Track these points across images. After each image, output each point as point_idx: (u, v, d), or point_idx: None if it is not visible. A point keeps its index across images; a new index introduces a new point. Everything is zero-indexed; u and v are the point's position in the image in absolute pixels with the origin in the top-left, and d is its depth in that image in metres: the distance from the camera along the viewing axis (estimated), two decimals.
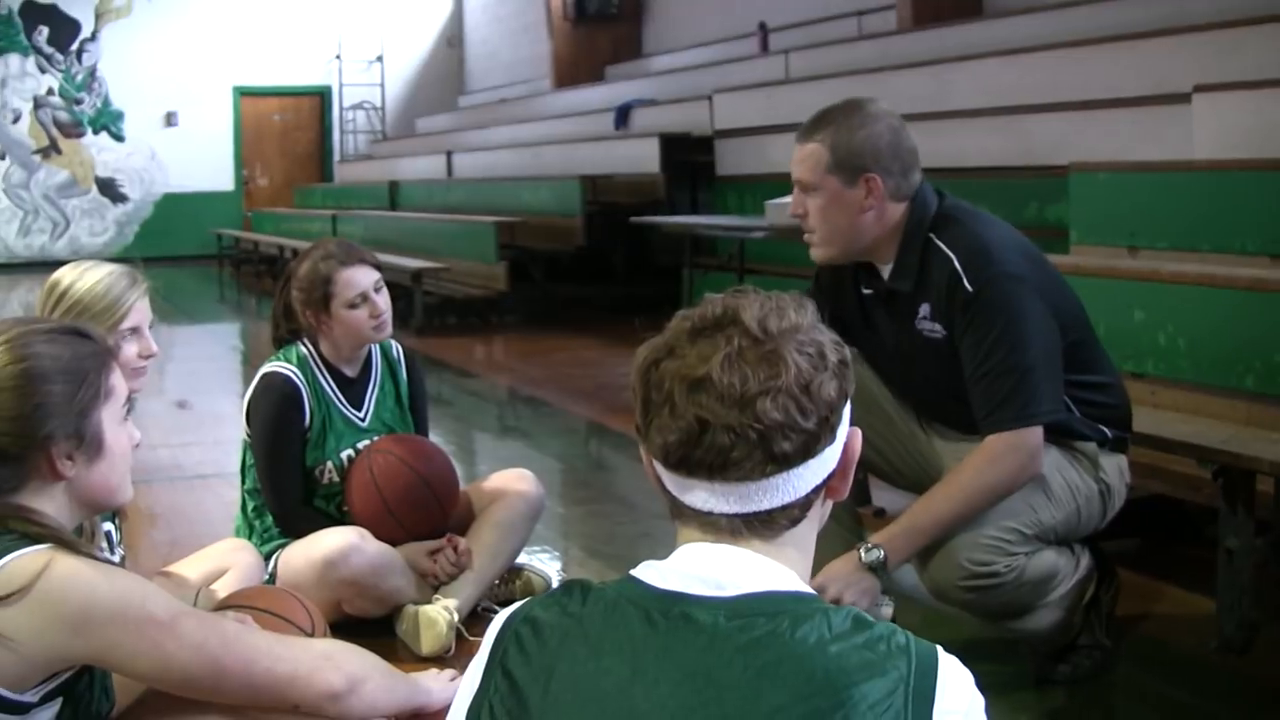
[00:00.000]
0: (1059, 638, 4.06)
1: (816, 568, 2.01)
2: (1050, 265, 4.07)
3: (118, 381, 2.85)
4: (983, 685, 1.80)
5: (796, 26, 16.44)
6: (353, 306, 4.77)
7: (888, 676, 1.72)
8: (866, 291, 4.16)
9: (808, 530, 1.95)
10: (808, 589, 1.88)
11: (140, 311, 3.86)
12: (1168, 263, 5.90)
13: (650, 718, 1.74)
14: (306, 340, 4.89)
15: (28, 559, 2.54)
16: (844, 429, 1.93)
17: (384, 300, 4.85)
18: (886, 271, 4.04)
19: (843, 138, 3.90)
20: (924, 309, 3.96)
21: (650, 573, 1.88)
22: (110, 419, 2.79)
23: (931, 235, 3.94)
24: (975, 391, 3.81)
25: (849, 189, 3.90)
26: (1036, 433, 3.76)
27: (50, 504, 2.71)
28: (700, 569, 1.85)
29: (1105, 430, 4.02)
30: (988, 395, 3.77)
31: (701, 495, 1.88)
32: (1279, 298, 5.07)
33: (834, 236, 3.99)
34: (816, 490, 1.91)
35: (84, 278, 3.81)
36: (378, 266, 4.91)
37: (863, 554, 3.62)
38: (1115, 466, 4.03)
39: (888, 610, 3.61)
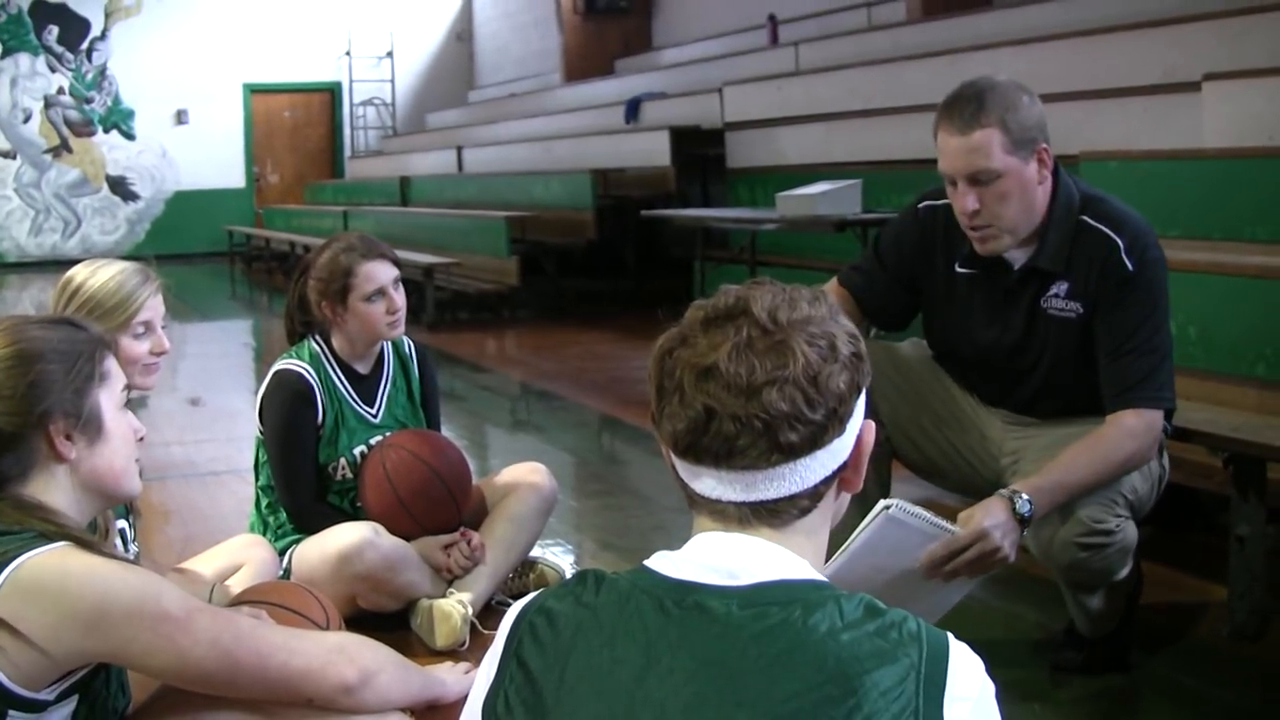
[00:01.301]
0: (1108, 622, 4.11)
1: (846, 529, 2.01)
2: None
3: (114, 369, 2.87)
4: (994, 674, 1.81)
5: (806, 18, 16.44)
6: (370, 300, 4.78)
7: (899, 664, 1.72)
8: (964, 271, 4.12)
9: (819, 521, 1.96)
10: (820, 577, 1.88)
11: (153, 308, 3.88)
12: (1178, 251, 5.88)
13: (664, 707, 1.75)
14: (319, 337, 4.90)
15: (44, 557, 2.55)
16: (856, 422, 1.94)
17: (401, 297, 4.85)
18: (1023, 250, 3.99)
19: (1012, 114, 3.81)
20: (1060, 288, 3.96)
21: (663, 562, 1.90)
22: (108, 403, 2.82)
23: (1084, 216, 3.93)
24: (1114, 367, 3.85)
25: (1027, 166, 3.85)
26: (1161, 416, 3.85)
27: (60, 494, 2.73)
28: (713, 558, 1.86)
29: (1169, 425, 4.05)
30: (1127, 372, 3.82)
31: (710, 483, 1.89)
32: None
33: (1019, 221, 3.90)
34: (826, 482, 1.92)
35: (97, 275, 3.83)
36: (397, 263, 4.92)
37: (1016, 504, 3.57)
38: (1167, 457, 4.11)
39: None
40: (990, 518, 3.52)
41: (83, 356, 2.79)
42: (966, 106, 3.83)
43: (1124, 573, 3.94)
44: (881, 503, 3.29)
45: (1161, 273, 3.91)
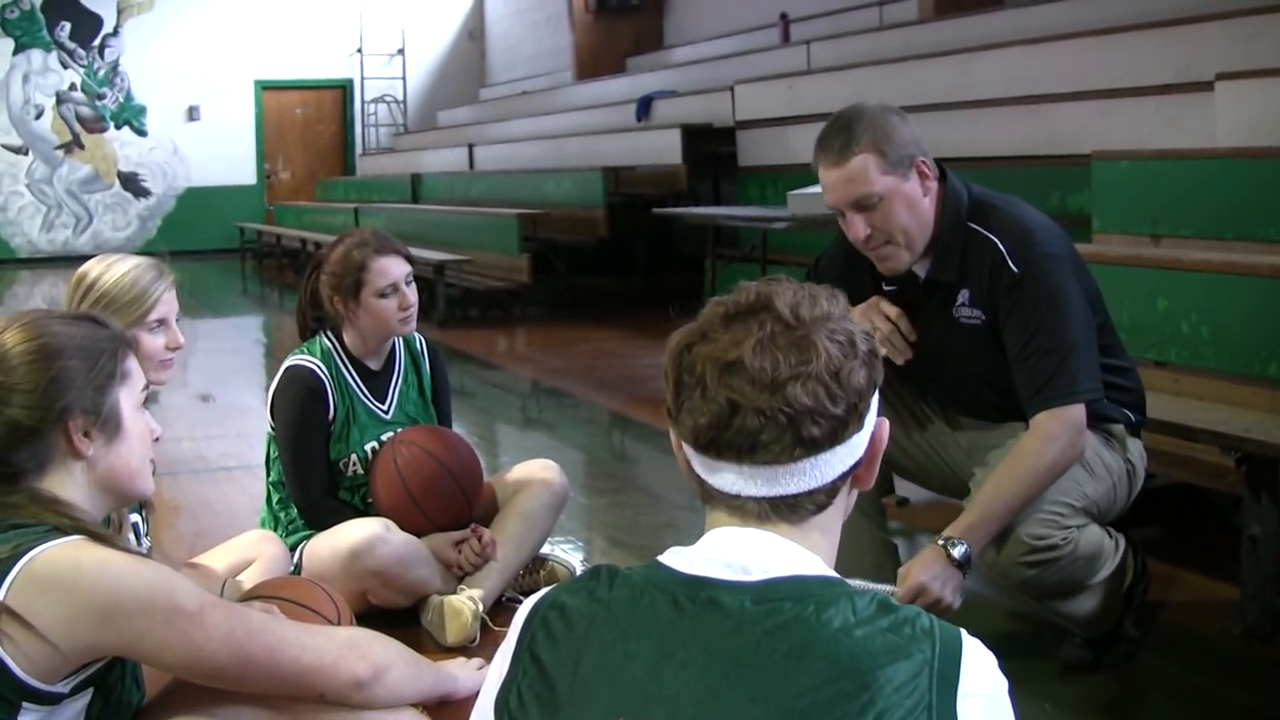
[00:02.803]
0: (1102, 623, 4.09)
1: (842, 556, 2.01)
2: (1076, 250, 4.08)
3: (134, 368, 2.88)
4: (1006, 671, 1.81)
5: (818, 17, 16.42)
6: (383, 296, 4.79)
7: (913, 660, 1.73)
8: (888, 289, 4.14)
9: (834, 517, 1.96)
10: (833, 573, 1.89)
11: (167, 303, 3.89)
12: (1191, 251, 5.89)
13: (678, 701, 1.75)
14: (330, 333, 4.90)
15: (58, 550, 2.56)
16: (872, 418, 1.95)
17: (413, 293, 4.86)
18: (923, 262, 4.01)
19: (882, 135, 3.83)
20: (963, 296, 3.98)
21: (677, 558, 1.90)
22: (128, 402, 2.82)
23: (970, 223, 3.95)
24: (1021, 371, 3.85)
25: (907, 181, 3.86)
26: (1082, 409, 3.80)
27: (75, 489, 2.73)
28: (726, 554, 1.87)
29: (1129, 414, 4.07)
30: (1034, 374, 3.81)
31: (730, 478, 1.90)
32: None
33: (913, 235, 3.92)
34: (843, 477, 1.93)
35: (111, 270, 3.83)
36: (410, 259, 4.93)
37: (951, 550, 3.60)
38: (1137, 449, 4.09)
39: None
40: (925, 571, 3.57)
41: (105, 354, 2.80)
42: (837, 138, 3.86)
43: (1105, 572, 3.93)
44: None
45: (1053, 266, 3.86)
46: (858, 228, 3.87)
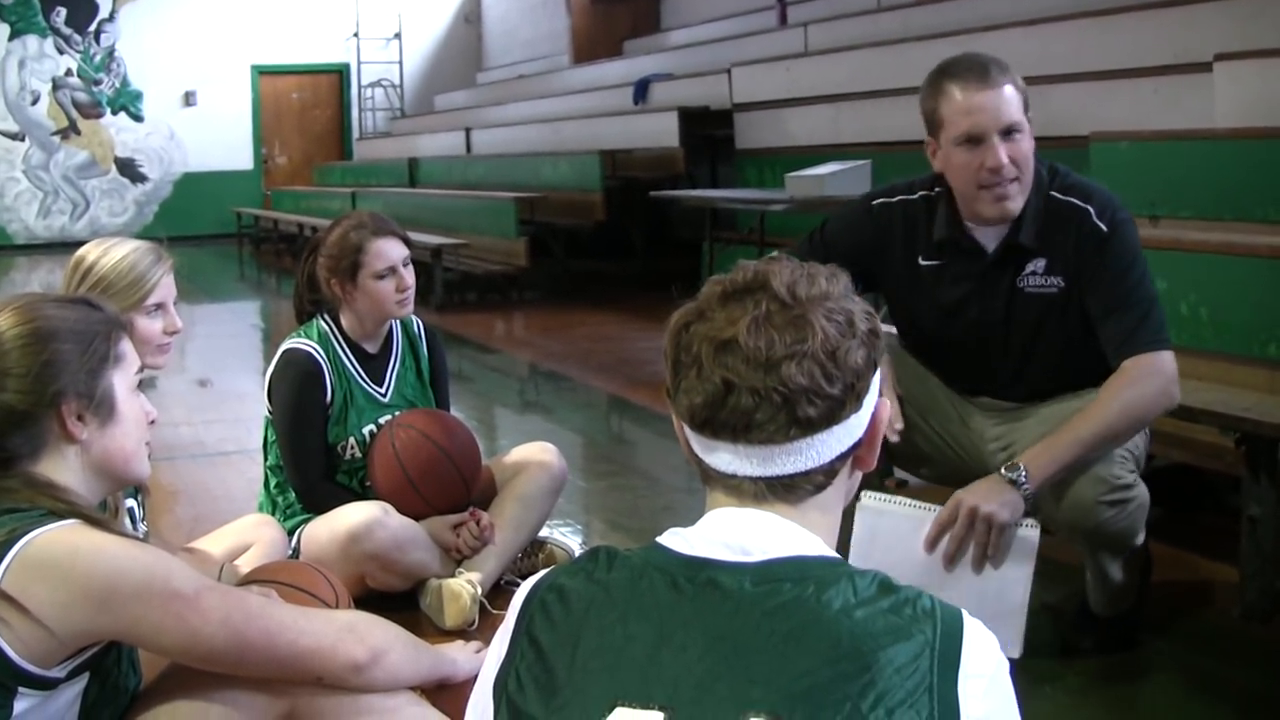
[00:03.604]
0: (1124, 599, 4.13)
1: (844, 543, 2.01)
2: None
3: (128, 351, 2.87)
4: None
5: None
6: (380, 278, 4.78)
7: (913, 641, 1.72)
8: (928, 263, 4.13)
9: (834, 498, 1.95)
10: (833, 554, 1.88)
11: (166, 287, 3.88)
12: (1189, 232, 5.88)
13: (677, 683, 1.74)
14: (328, 316, 4.90)
15: (54, 534, 2.55)
16: (872, 398, 1.93)
17: (410, 276, 4.85)
18: (996, 230, 4.01)
19: (1016, 78, 3.88)
20: (1037, 264, 3.98)
21: (676, 540, 1.89)
22: (122, 385, 2.81)
23: (1052, 193, 3.97)
24: (1109, 323, 3.87)
25: (1029, 129, 3.90)
26: (1172, 357, 3.84)
27: (69, 474, 2.73)
28: (726, 535, 1.86)
29: None
30: (1123, 324, 3.84)
31: (726, 457, 1.89)
32: None
33: (1028, 182, 3.94)
34: (842, 458, 1.91)
35: (109, 254, 3.82)
36: (407, 242, 4.92)
37: (1003, 470, 3.63)
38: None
39: (1033, 532, 3.61)
40: (970, 491, 3.61)
41: (98, 337, 2.79)
42: (986, 67, 3.88)
43: (1140, 538, 3.94)
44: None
45: (1133, 231, 3.94)
46: (1001, 153, 3.84)
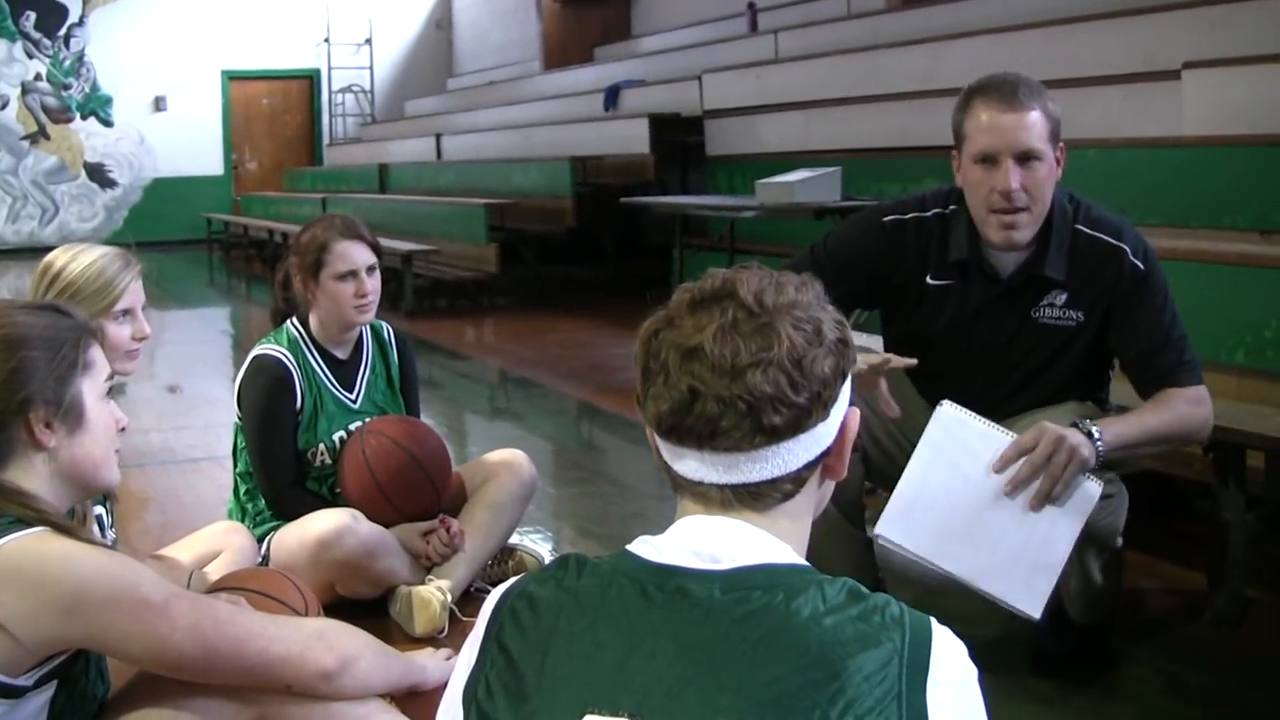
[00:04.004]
0: (1101, 604, 4.14)
1: (821, 555, 2.01)
2: None
3: (98, 358, 2.86)
4: (979, 660, 1.80)
5: (786, 6, 16.45)
6: (341, 280, 4.77)
7: (882, 648, 1.72)
8: (937, 282, 4.10)
9: (803, 506, 1.94)
10: (803, 561, 1.88)
11: (134, 293, 3.87)
12: (1158, 239, 5.87)
13: (647, 690, 1.74)
14: (297, 322, 4.89)
15: (21, 542, 2.54)
16: (840, 407, 1.93)
17: (373, 284, 4.84)
18: (1014, 256, 3.98)
19: (1048, 103, 3.85)
20: (1058, 297, 3.97)
21: (645, 547, 1.89)
22: (90, 392, 2.81)
23: (1078, 225, 3.95)
24: (1150, 362, 3.90)
25: (1052, 159, 3.86)
26: (1207, 391, 3.91)
27: (38, 481, 2.72)
28: (694, 542, 1.86)
29: (1113, 406, 4.16)
30: (1167, 363, 3.88)
31: (692, 464, 1.89)
32: (1269, 273, 5.09)
33: (1042, 213, 3.90)
34: (810, 467, 1.91)
35: (77, 260, 3.81)
36: (377, 251, 4.91)
37: (1077, 422, 3.62)
38: None
39: (1096, 488, 3.59)
40: (1045, 425, 3.59)
41: (67, 344, 2.78)
42: (1017, 88, 3.84)
43: (1120, 540, 3.96)
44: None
45: (1160, 266, 3.96)
46: (1012, 178, 3.81)
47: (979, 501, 3.51)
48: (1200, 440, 3.99)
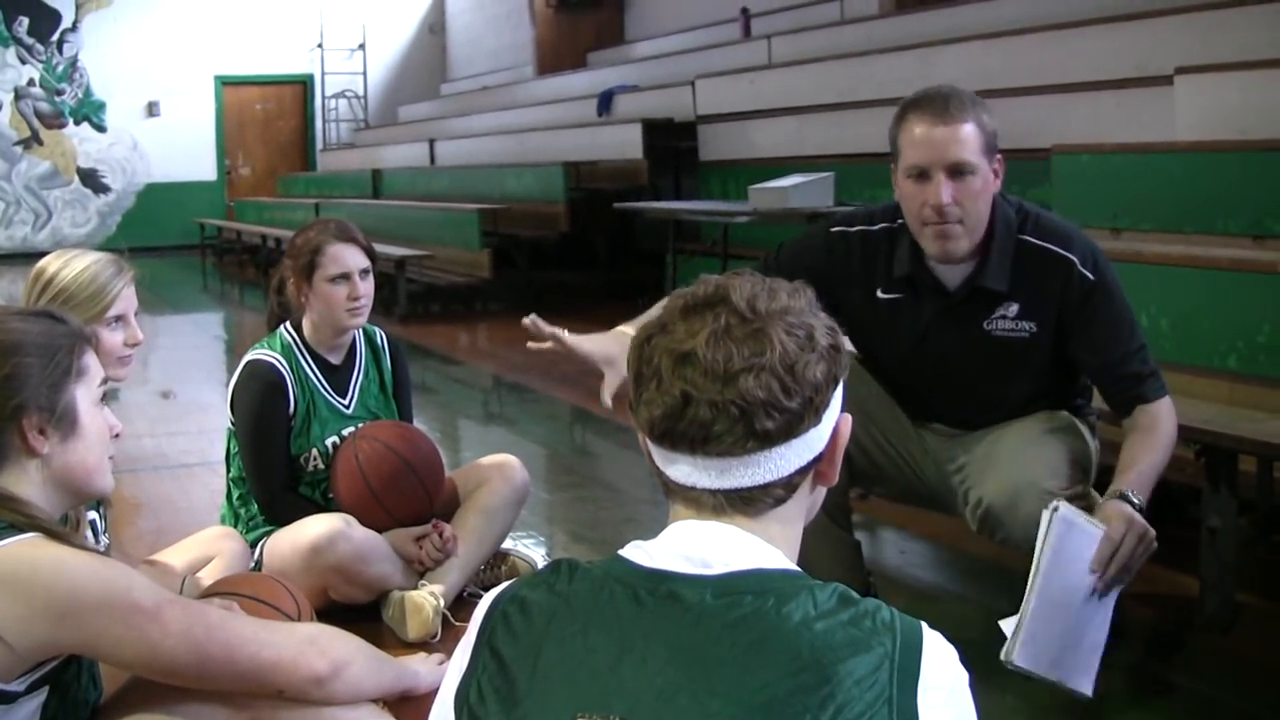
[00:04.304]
0: None
1: (810, 559, 2.01)
2: None
3: (93, 365, 2.86)
4: (970, 664, 1.80)
5: (779, 11, 16.45)
6: (334, 282, 4.77)
7: (873, 653, 1.72)
8: (887, 296, 4.10)
9: (794, 511, 1.95)
10: (794, 567, 1.88)
11: (126, 299, 3.86)
12: (1150, 244, 5.92)
13: (638, 695, 1.74)
14: (291, 327, 4.89)
15: (13, 548, 2.54)
16: (832, 413, 1.94)
17: (365, 288, 4.84)
18: (960, 269, 3.98)
19: (985, 117, 3.83)
20: (1010, 309, 3.96)
21: (637, 552, 1.89)
22: (85, 399, 2.80)
23: (1022, 235, 3.95)
24: (1114, 375, 3.92)
25: (989, 171, 3.85)
26: (1171, 401, 3.94)
27: (30, 487, 2.71)
28: (686, 547, 1.86)
29: (1094, 411, 4.16)
30: (1131, 376, 3.89)
31: (685, 469, 1.89)
32: (1261, 278, 5.09)
33: (976, 225, 3.89)
34: (801, 472, 1.92)
35: (70, 265, 3.81)
36: (371, 255, 4.91)
37: (1136, 500, 3.62)
38: (1099, 438, 4.19)
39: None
40: (1127, 509, 3.58)
41: (61, 351, 2.77)
42: (948, 100, 3.83)
43: None
44: (1046, 510, 3.40)
45: (1113, 274, 3.96)
46: (944, 192, 3.80)
47: (1079, 602, 3.51)
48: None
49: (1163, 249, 5.67)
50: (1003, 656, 3.25)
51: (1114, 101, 8.28)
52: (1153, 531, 3.55)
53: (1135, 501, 3.60)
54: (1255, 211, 5.78)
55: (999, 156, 3.88)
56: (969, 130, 3.79)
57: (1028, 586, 3.36)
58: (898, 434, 4.25)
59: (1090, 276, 3.87)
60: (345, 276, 4.78)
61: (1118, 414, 3.94)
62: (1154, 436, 3.82)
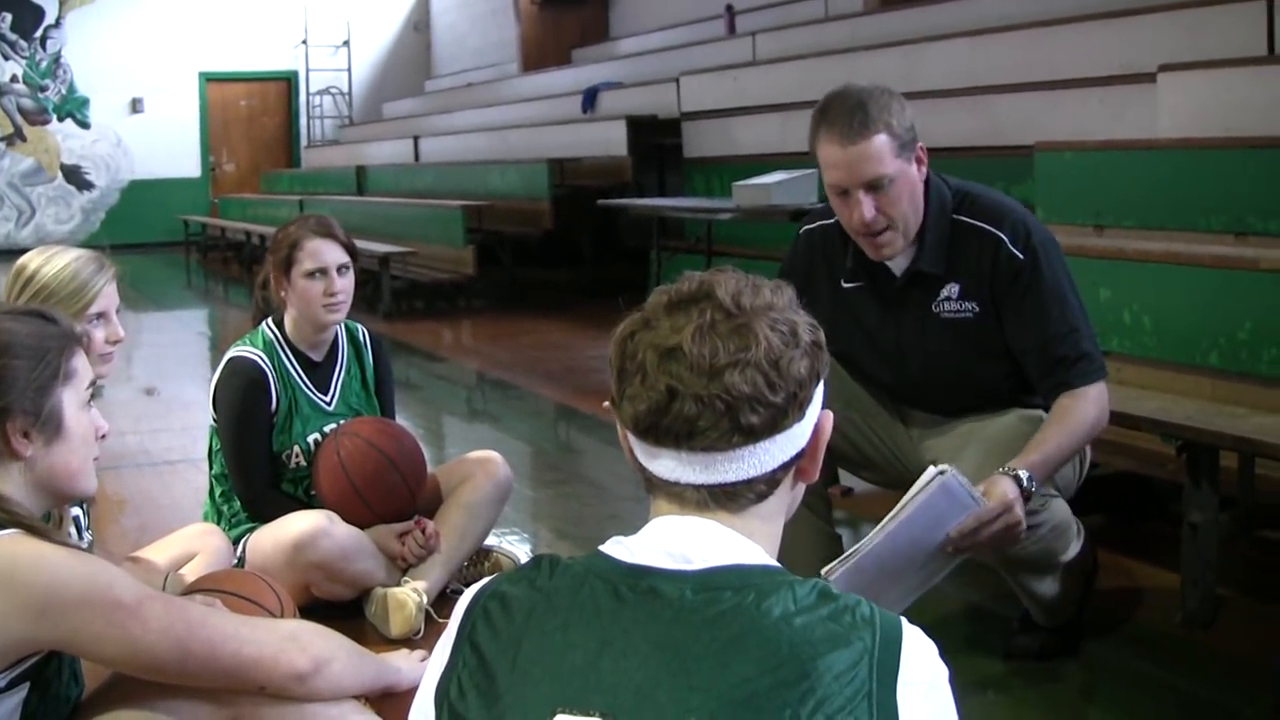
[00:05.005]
0: (1064, 610, 4.16)
1: (788, 550, 2.01)
2: None
3: (81, 366, 2.85)
4: (950, 659, 1.81)
5: (763, 8, 16.44)
6: (311, 277, 4.77)
7: (852, 648, 1.72)
8: (850, 286, 4.14)
9: (775, 507, 1.96)
10: (774, 562, 1.89)
11: (108, 296, 3.86)
12: (1133, 241, 5.93)
13: (618, 690, 1.74)
14: (273, 324, 4.89)
15: None
16: (815, 409, 1.94)
17: (343, 283, 4.82)
18: (902, 257, 4.01)
19: (893, 117, 3.82)
20: (951, 290, 3.99)
21: (618, 548, 1.89)
22: (71, 401, 2.79)
23: (957, 215, 3.97)
24: (1042, 358, 3.89)
25: (910, 167, 3.87)
26: (1105, 387, 3.89)
27: (12, 487, 2.71)
28: (667, 543, 1.86)
29: None
30: (1059, 358, 3.85)
31: (669, 464, 1.89)
32: (1243, 275, 5.10)
33: (911, 222, 3.92)
34: (784, 468, 1.92)
35: (51, 262, 3.80)
36: (351, 251, 4.90)
37: (1022, 479, 3.57)
38: None
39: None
40: (1010, 491, 3.53)
41: (51, 353, 2.76)
42: (852, 116, 3.81)
43: (1071, 553, 3.96)
44: (933, 469, 3.37)
45: (1052, 251, 3.95)
46: (865, 209, 3.83)
47: (921, 558, 3.49)
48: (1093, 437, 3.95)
49: (1145, 246, 5.68)
50: (823, 570, 3.24)
51: (1097, 99, 8.29)
52: (1025, 523, 3.53)
53: (1024, 482, 3.57)
54: (1237, 209, 5.79)
55: (919, 146, 3.89)
56: (880, 142, 3.79)
57: (878, 526, 3.36)
58: (882, 421, 4.27)
59: (1019, 255, 3.88)
60: (322, 272, 4.78)
61: (1045, 402, 3.91)
62: (1069, 419, 3.79)
